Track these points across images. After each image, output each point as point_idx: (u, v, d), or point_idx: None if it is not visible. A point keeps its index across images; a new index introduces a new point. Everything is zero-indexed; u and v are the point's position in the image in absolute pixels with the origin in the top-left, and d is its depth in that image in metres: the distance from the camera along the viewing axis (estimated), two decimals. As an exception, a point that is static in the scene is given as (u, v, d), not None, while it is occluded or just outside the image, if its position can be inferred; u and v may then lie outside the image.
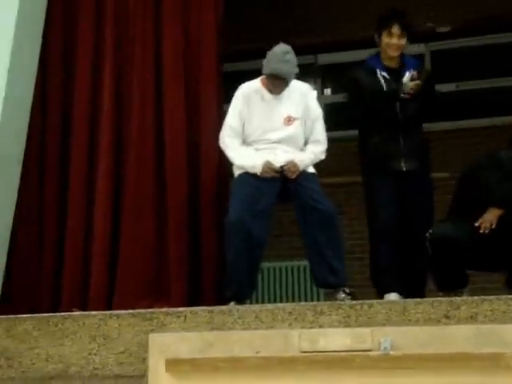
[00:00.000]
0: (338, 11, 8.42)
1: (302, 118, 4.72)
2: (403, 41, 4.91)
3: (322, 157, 4.80)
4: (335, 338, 3.37)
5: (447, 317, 3.40)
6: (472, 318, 3.37)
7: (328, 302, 3.69)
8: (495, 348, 3.23)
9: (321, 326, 3.48)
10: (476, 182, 4.45)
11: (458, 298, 3.54)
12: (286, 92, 4.73)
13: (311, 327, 3.48)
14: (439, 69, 8.71)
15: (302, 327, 3.49)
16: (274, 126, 4.65)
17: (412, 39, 8.19)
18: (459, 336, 3.30)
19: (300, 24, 8.38)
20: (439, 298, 3.57)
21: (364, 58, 5.16)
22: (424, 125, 7.77)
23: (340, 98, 8.42)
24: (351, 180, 5.94)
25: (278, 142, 4.66)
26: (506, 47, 8.51)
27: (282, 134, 4.66)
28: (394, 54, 4.91)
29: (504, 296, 3.63)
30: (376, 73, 4.90)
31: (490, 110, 8.27)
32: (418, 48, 8.63)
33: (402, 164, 4.79)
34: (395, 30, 4.87)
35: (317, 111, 4.83)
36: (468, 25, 8.34)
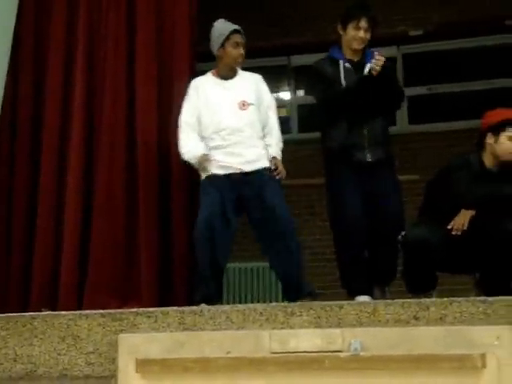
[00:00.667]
0: (310, 12, 8.47)
1: (257, 104, 4.69)
2: (368, 35, 4.91)
3: (281, 145, 4.76)
4: (305, 339, 3.38)
5: (416, 318, 3.42)
6: (441, 320, 3.39)
7: (299, 303, 3.70)
8: (463, 349, 3.26)
9: (291, 327, 3.49)
10: (446, 185, 4.49)
11: (427, 300, 3.57)
12: (239, 78, 4.75)
13: (282, 328, 3.49)
14: (411, 72, 8.79)
15: (273, 328, 3.49)
16: (228, 112, 4.59)
17: (384, 42, 8.26)
18: (428, 337, 3.32)
19: (273, 25, 8.40)
20: (409, 300, 3.59)
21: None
22: (395, 127, 7.86)
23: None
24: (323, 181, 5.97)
25: (238, 131, 4.57)
26: (478, 51, 8.61)
27: (239, 121, 4.59)
28: (359, 47, 4.89)
29: (472, 298, 3.67)
30: (339, 64, 4.88)
31: (461, 113, 8.36)
32: (389, 51, 8.72)
33: (367, 155, 4.75)
34: (363, 23, 4.86)
35: (270, 99, 4.82)
36: (440, 29, 8.41)
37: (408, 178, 6.78)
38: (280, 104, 8.89)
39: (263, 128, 4.71)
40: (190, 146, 4.60)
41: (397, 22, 8.45)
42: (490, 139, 4.50)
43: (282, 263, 4.47)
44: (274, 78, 8.94)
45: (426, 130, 8.44)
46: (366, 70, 4.75)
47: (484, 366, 3.20)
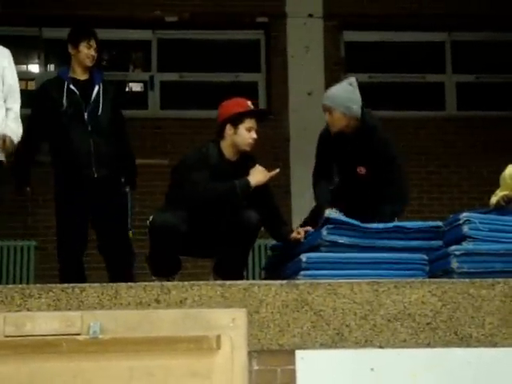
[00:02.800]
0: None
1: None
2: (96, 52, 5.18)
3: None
4: (43, 322, 3.29)
5: (158, 301, 3.46)
6: (181, 303, 3.47)
7: (38, 285, 3.58)
8: (201, 331, 3.36)
9: (29, 310, 3.37)
10: (183, 180, 4.55)
11: (168, 283, 3.63)
12: None
13: (18, 310, 3.36)
14: (165, 58, 8.87)
15: (9, 310, 3.35)
16: None
17: (139, 26, 8.26)
18: (167, 320, 3.38)
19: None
20: (151, 283, 3.63)
21: None
22: (147, 111, 7.90)
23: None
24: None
25: None
26: (227, 43, 8.89)
27: None
28: (90, 64, 5.15)
29: (211, 282, 3.80)
30: (64, 85, 5.07)
31: (210, 101, 8.59)
32: (145, 35, 8.73)
33: (93, 171, 4.99)
34: (93, 42, 5.15)
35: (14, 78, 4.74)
36: (195, 18, 8.57)
37: (158, 162, 6.86)
38: (29, 77, 8.59)
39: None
40: None
41: (153, 7, 8.48)
42: (229, 130, 4.59)
43: None
44: (25, 49, 8.60)
45: (177, 116, 8.57)
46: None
47: (219, 347, 3.33)
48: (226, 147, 4.63)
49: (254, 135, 4.59)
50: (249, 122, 4.59)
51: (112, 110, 5.17)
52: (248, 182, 4.52)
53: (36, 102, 5.24)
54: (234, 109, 4.61)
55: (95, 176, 5.02)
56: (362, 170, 4.79)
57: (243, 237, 4.49)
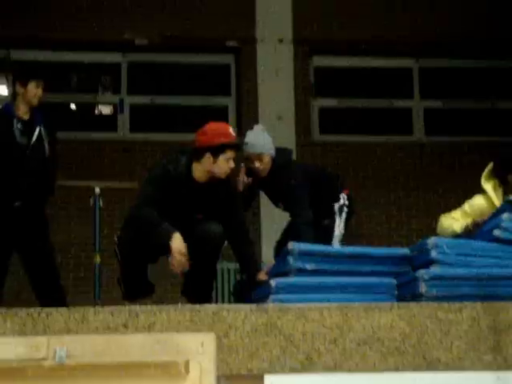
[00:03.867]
0: (35, 6, 8.21)
1: None
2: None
3: None
4: (7, 348, 3.24)
5: (125, 326, 3.43)
6: (149, 327, 3.44)
7: (3, 310, 3.53)
8: (170, 356, 3.32)
9: (-6, 335, 3.32)
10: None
11: (137, 307, 3.59)
12: None
13: (-17, 336, 3.31)
14: (135, 81, 8.87)
15: (-27, 336, 3.30)
16: None
17: (109, 48, 8.27)
18: (135, 344, 3.34)
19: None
20: (119, 307, 3.59)
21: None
22: (117, 134, 7.91)
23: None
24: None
25: None
26: (196, 67, 8.92)
27: None
28: (36, 104, 5.23)
29: (180, 306, 3.77)
30: (13, 123, 5.17)
31: (178, 125, 8.60)
32: (114, 57, 8.73)
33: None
34: (40, 82, 5.23)
35: None
36: (165, 41, 8.59)
37: (128, 185, 6.84)
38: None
39: None
40: None
41: (123, 30, 8.50)
42: (208, 158, 4.52)
43: None
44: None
45: (146, 139, 8.56)
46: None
47: (187, 372, 3.30)
48: (199, 170, 4.58)
49: (232, 165, 4.58)
50: (229, 153, 4.54)
51: (50, 145, 5.30)
52: (169, 240, 4.38)
53: None
54: (217, 139, 4.52)
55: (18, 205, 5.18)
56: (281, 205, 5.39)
57: (207, 249, 4.46)
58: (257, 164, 5.13)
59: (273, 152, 5.20)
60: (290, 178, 5.21)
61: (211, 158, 4.51)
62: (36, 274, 5.27)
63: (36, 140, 5.21)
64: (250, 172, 5.26)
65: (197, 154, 4.58)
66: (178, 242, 4.34)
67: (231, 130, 4.65)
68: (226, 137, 4.55)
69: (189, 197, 4.51)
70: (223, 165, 4.53)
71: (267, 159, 5.17)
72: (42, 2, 8.26)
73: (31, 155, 5.18)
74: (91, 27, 8.40)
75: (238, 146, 4.68)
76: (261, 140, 5.18)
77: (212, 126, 4.60)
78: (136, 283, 4.53)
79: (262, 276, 4.53)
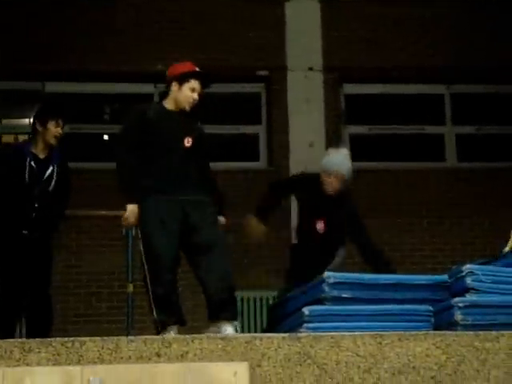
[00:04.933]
0: (67, 41, 8.33)
1: None
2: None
3: None
4: (43, 378, 3.25)
5: (158, 355, 3.43)
6: (182, 357, 3.43)
7: (38, 340, 3.54)
8: (202, 385, 3.31)
9: (28, 364, 3.33)
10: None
11: (169, 336, 3.60)
12: None
13: (17, 365, 3.32)
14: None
15: (8, 366, 3.31)
16: None
17: (141, 79, 8.35)
18: (168, 373, 3.34)
19: (29, 49, 8.15)
20: (152, 336, 3.59)
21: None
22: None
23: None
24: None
25: None
26: (228, 97, 8.96)
27: None
28: (55, 143, 5.42)
29: (213, 335, 3.76)
30: (26, 160, 5.34)
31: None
32: (146, 88, 8.81)
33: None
34: (60, 121, 5.43)
35: None
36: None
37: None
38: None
39: None
40: None
41: (156, 61, 8.58)
42: (174, 87, 4.87)
43: None
44: (28, 103, 8.69)
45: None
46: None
47: (221, 401, 3.28)
48: (168, 102, 4.91)
49: (195, 96, 4.86)
50: (193, 83, 4.86)
51: (60, 180, 5.45)
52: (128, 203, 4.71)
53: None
54: (181, 69, 4.93)
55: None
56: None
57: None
58: (334, 182, 5.44)
59: (350, 176, 5.53)
60: (354, 205, 5.63)
61: (177, 87, 4.87)
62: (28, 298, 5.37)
63: (47, 178, 5.38)
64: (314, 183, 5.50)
65: (167, 87, 4.96)
66: (129, 212, 4.67)
67: (195, 66, 4.99)
68: (190, 68, 4.95)
69: (164, 120, 4.81)
70: (187, 93, 4.85)
71: (344, 182, 5.49)
72: (72, 35, 8.39)
73: (39, 192, 5.34)
74: (124, 59, 8.50)
75: (200, 75, 4.94)
76: (347, 164, 5.50)
77: (177, 64, 5.05)
78: (165, 304, 4.55)
79: None
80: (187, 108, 4.87)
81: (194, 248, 4.66)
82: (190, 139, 4.80)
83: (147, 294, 4.62)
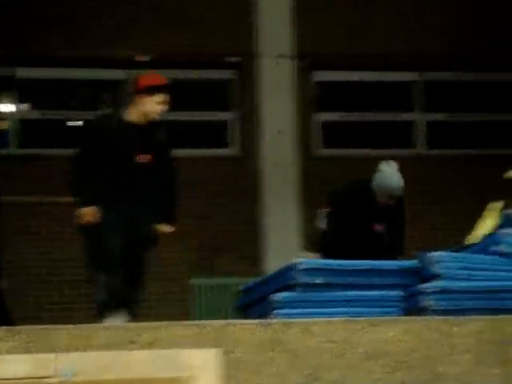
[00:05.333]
0: (39, 26, 8.24)
1: None
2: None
3: None
4: (14, 366, 3.23)
5: (132, 342, 3.43)
6: (155, 344, 3.43)
7: (6, 328, 3.52)
8: (174, 372, 3.31)
9: (-1, 353, 3.31)
10: None
11: (140, 325, 3.60)
12: None
13: (-12, 354, 3.30)
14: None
15: (-22, 354, 3.29)
16: None
17: (110, 65, 8.26)
18: (140, 361, 3.34)
19: (0, 35, 8.05)
20: (125, 324, 3.59)
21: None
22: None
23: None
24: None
25: None
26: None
27: None
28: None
29: (185, 321, 3.77)
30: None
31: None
32: (116, 74, 8.74)
33: None
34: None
35: None
36: (167, 57, 8.61)
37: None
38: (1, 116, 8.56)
39: None
40: None
41: (125, 47, 8.51)
42: (142, 98, 4.95)
43: None
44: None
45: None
46: None
47: (192, 387, 3.29)
48: (131, 112, 5.01)
49: (164, 108, 4.97)
50: (163, 96, 4.95)
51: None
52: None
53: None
54: (151, 82, 5.03)
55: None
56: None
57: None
58: (388, 199, 5.62)
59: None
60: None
61: (145, 98, 4.95)
62: None
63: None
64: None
65: (132, 97, 5.04)
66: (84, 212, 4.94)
67: (162, 77, 5.12)
68: (159, 81, 5.07)
69: (128, 139, 4.91)
70: (156, 106, 4.95)
71: (396, 196, 5.69)
72: (44, 20, 8.29)
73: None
74: (92, 44, 8.42)
75: (166, 88, 5.03)
76: (397, 181, 5.64)
77: (145, 75, 5.26)
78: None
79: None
80: (156, 118, 4.99)
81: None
82: (147, 155, 4.92)
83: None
